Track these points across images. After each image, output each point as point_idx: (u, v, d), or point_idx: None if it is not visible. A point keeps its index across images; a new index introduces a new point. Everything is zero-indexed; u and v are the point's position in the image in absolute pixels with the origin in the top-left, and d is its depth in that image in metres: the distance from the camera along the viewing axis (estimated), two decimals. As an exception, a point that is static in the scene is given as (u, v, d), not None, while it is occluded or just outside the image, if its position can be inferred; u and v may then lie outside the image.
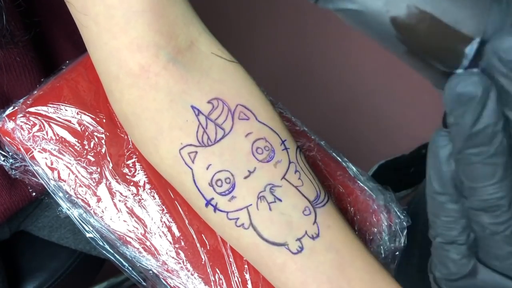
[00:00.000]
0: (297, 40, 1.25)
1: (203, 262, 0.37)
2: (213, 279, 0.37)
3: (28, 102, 0.40)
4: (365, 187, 0.43)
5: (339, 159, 0.44)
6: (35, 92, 0.40)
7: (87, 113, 0.40)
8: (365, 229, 0.42)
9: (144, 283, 0.39)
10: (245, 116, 0.34)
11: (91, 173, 0.38)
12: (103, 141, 0.39)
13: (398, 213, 0.43)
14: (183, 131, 0.33)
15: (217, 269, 0.37)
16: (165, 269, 0.37)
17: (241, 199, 0.33)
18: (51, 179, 0.39)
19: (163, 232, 0.38)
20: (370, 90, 1.19)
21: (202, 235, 0.38)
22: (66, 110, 0.39)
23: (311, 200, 0.34)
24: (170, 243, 0.38)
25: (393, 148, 1.03)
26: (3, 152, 0.40)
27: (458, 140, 0.20)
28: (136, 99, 0.34)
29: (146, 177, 0.39)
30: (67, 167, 0.38)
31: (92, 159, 0.39)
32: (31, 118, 0.39)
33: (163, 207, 0.38)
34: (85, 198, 0.38)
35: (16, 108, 0.40)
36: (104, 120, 0.39)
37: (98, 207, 0.38)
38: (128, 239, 0.38)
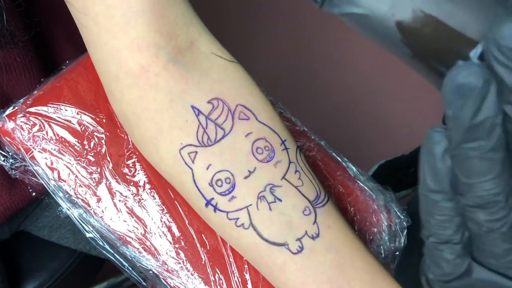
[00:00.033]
0: (297, 40, 1.25)
1: (203, 262, 0.37)
2: (213, 279, 0.37)
3: (28, 102, 0.40)
4: (365, 187, 0.43)
5: (339, 159, 0.44)
6: (35, 92, 0.40)
7: (87, 113, 0.40)
8: (365, 229, 0.42)
9: (144, 283, 0.39)
10: (245, 116, 0.34)
11: (91, 173, 0.38)
12: (103, 141, 0.39)
13: (398, 213, 0.43)
14: (183, 131, 0.33)
15: (217, 269, 0.37)
16: (165, 269, 0.37)
17: (241, 199, 0.33)
18: (51, 179, 0.39)
19: (163, 232, 0.38)
20: (370, 90, 1.19)
21: (202, 235, 0.38)
22: (66, 110, 0.39)
23: (311, 200, 0.34)
24: (170, 243, 0.38)
25: (393, 148, 1.03)
26: (3, 152, 0.40)
27: (456, 134, 0.20)
28: (136, 99, 0.34)
29: (146, 177, 0.39)
30: (67, 167, 0.38)
31: (92, 159, 0.39)
32: (31, 118, 0.39)
33: (163, 207, 0.38)
34: (85, 198, 0.38)
35: (16, 108, 0.40)
36: (104, 120, 0.39)
37: (98, 207, 0.38)
38: (128, 239, 0.38)
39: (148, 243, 0.38)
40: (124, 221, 0.38)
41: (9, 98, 0.49)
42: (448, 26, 0.21)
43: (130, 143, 0.39)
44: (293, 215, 0.33)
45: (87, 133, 0.39)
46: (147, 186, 0.39)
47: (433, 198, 0.22)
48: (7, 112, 0.40)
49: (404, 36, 0.22)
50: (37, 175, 0.39)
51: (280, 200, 0.33)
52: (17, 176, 0.41)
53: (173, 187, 0.37)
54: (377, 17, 0.22)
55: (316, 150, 0.44)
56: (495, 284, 0.22)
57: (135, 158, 0.39)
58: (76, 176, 0.38)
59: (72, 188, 0.38)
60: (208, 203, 0.34)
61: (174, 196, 0.38)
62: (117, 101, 0.35)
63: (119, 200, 0.38)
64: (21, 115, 0.39)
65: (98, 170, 0.38)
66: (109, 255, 0.39)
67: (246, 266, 0.37)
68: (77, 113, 0.39)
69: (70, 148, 0.39)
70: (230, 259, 0.37)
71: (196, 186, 0.34)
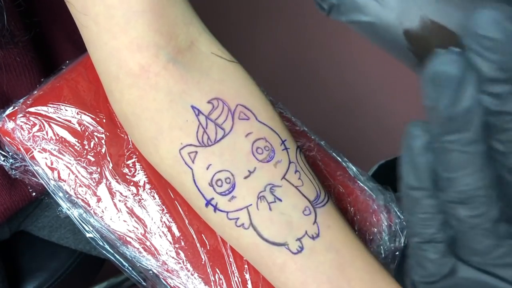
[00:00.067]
0: (297, 39, 1.25)
1: (203, 262, 0.37)
2: (213, 279, 0.37)
3: (28, 102, 0.40)
4: (365, 187, 0.43)
5: (339, 159, 0.44)
6: (35, 92, 0.40)
7: (87, 113, 0.40)
8: (365, 229, 0.42)
9: (144, 283, 0.39)
10: (245, 116, 0.34)
11: (91, 173, 0.38)
12: (103, 141, 0.39)
13: (398, 213, 0.42)
14: (183, 131, 0.33)
15: (217, 269, 0.37)
16: (165, 269, 0.37)
17: (241, 199, 0.33)
18: (51, 179, 0.39)
19: (163, 232, 0.38)
20: (370, 90, 1.19)
21: (202, 235, 0.38)
22: (66, 110, 0.39)
23: (311, 200, 0.34)
24: (170, 243, 0.38)
25: (394, 148, 1.03)
26: (3, 152, 0.40)
27: (435, 126, 0.19)
28: (136, 99, 0.34)
29: (146, 177, 0.39)
30: (67, 167, 0.38)
31: (92, 159, 0.39)
32: (31, 118, 0.39)
33: (163, 207, 0.38)
34: (85, 198, 0.38)
35: (16, 108, 0.40)
36: (104, 120, 0.39)
37: (98, 207, 0.38)
38: (128, 239, 0.38)
39: (148, 243, 0.38)
40: (124, 221, 0.38)
41: (9, 98, 0.49)
42: (455, 34, 0.21)
43: (130, 143, 0.39)
44: (293, 215, 0.33)
45: (87, 133, 0.39)
46: (147, 186, 0.39)
47: (414, 196, 0.21)
48: (7, 112, 0.40)
49: (411, 44, 0.21)
50: (37, 175, 0.39)
51: (280, 200, 0.33)
52: (17, 176, 0.41)
53: (173, 187, 0.37)
54: (385, 25, 0.21)
55: (316, 150, 0.44)
56: (481, 283, 0.21)
57: (135, 158, 0.39)
58: (76, 176, 0.38)
59: (72, 188, 0.38)
60: (208, 203, 0.34)
61: (174, 196, 0.38)
62: (117, 101, 0.35)
63: (119, 200, 0.38)
64: (21, 115, 0.39)
65: (98, 170, 0.38)
66: (109, 255, 0.39)
67: (246, 266, 0.37)
68: (77, 113, 0.39)
69: (70, 148, 0.39)
70: (230, 259, 0.37)
71: (196, 186, 0.34)
